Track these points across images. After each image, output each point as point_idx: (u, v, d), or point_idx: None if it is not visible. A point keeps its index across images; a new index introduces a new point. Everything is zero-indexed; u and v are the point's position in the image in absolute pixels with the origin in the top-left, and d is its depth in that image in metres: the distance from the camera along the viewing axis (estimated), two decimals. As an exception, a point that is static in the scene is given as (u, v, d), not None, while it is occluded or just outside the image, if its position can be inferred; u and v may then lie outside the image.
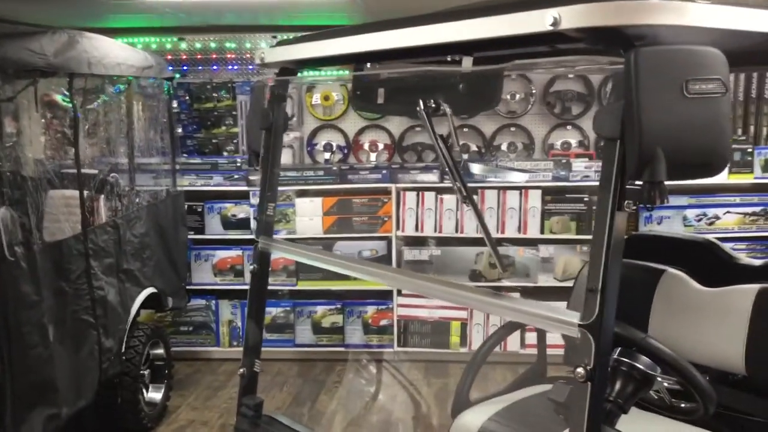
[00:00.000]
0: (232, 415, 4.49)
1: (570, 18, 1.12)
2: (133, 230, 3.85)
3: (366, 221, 5.10)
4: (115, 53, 3.66)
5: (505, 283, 5.07)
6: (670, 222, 4.88)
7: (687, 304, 2.32)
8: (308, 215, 5.11)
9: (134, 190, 4.06)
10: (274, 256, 5.19)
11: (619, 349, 1.68)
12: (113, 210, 3.78)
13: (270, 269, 5.18)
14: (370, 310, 5.18)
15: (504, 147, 5.40)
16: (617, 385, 1.66)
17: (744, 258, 2.50)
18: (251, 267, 1.95)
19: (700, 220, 4.85)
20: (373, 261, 5.10)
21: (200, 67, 5.40)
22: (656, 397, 1.75)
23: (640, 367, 1.64)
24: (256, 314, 2.01)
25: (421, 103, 1.60)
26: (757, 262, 2.46)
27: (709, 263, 2.53)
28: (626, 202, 1.18)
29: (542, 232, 5.00)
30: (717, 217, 4.83)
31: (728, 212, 4.83)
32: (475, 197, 5.08)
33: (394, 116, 5.21)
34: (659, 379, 1.68)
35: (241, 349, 5.41)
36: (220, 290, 5.19)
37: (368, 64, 1.66)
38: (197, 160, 5.14)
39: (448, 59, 1.50)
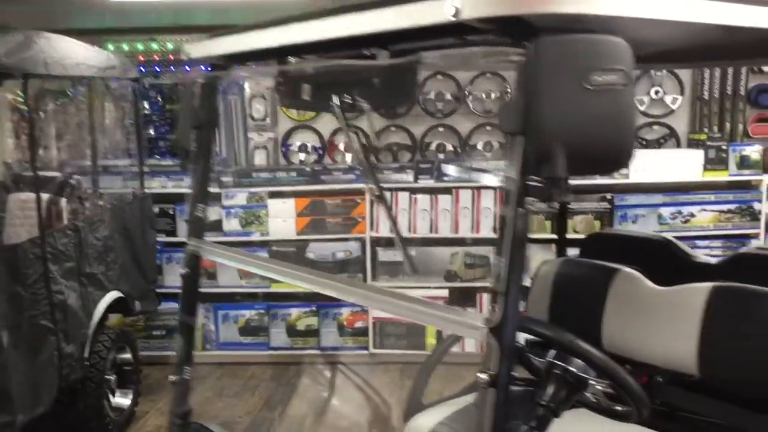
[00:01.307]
0: (200, 420, 4.46)
1: (471, 7, 1.07)
2: (95, 233, 3.79)
3: (340, 222, 5.05)
4: (75, 53, 3.60)
5: (481, 283, 5.03)
6: (645, 220, 4.84)
7: (640, 304, 2.27)
8: (281, 217, 5.06)
9: (97, 193, 4.00)
10: (248, 258, 5.19)
11: (554, 352, 1.63)
12: (75, 213, 3.72)
13: (241, 272, 5.18)
14: (345, 312, 5.13)
15: (480, 146, 5.35)
16: (550, 389, 1.61)
17: (701, 256, 2.46)
18: (181, 271, 1.89)
19: (675, 218, 4.81)
20: (345, 262, 5.06)
21: (172, 68, 5.34)
22: (594, 401, 1.69)
23: (573, 369, 1.59)
24: (187, 320, 1.95)
25: (335, 98, 1.55)
26: (714, 260, 2.41)
27: (667, 262, 2.48)
28: (527, 199, 1.12)
29: (517, 231, 4.95)
30: (692, 215, 4.80)
31: (703, 210, 4.79)
32: (449, 197, 5.07)
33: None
34: (593, 382, 1.63)
35: (214, 353, 5.37)
36: (192, 293, 5.11)
37: (292, 59, 1.62)
38: (168, 162, 5.08)
39: (367, 53, 1.45)
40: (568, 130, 1.04)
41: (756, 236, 4.77)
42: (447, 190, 5.00)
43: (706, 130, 5.09)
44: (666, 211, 4.82)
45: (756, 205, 4.74)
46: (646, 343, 2.23)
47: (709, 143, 4.76)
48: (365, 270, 5.06)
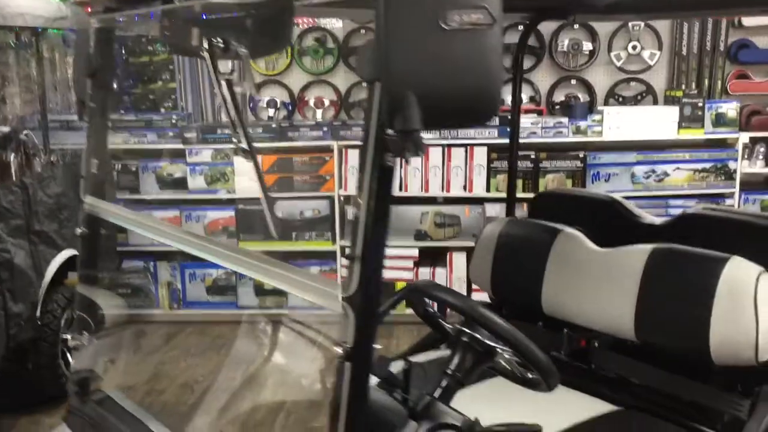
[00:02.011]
0: (160, 381, 4.43)
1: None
2: (46, 190, 3.69)
3: (308, 180, 4.95)
4: (18, 2, 3.45)
5: (451, 243, 4.95)
6: (618, 179, 4.73)
7: (580, 266, 2.19)
8: (248, 174, 4.93)
9: (48, 149, 3.88)
10: (215, 216, 5.11)
11: (461, 319, 1.55)
12: (23, 169, 3.61)
13: (208, 229, 5.09)
14: (314, 271, 5.05)
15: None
16: (456, 358, 1.53)
17: (647, 216, 2.36)
18: (78, 230, 1.79)
19: (648, 178, 4.71)
20: (313, 221, 4.98)
21: (136, 18, 5.16)
22: (507, 368, 1.62)
23: (480, 337, 1.51)
24: (86, 282, 1.86)
25: (205, 41, 1.44)
26: (659, 220, 2.32)
27: (613, 222, 2.39)
28: (386, 155, 1.02)
29: (488, 190, 4.86)
30: (666, 174, 4.69)
31: (678, 169, 4.68)
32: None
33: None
34: (501, 350, 1.55)
35: (182, 311, 5.31)
36: (158, 251, 5.04)
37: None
38: (130, 117, 4.95)
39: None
40: (422, 76, 0.93)
41: (731, 195, 4.67)
42: (417, 148, 4.88)
43: (683, 86, 4.95)
44: (639, 170, 4.72)
45: (731, 164, 4.63)
46: (585, 307, 2.15)
47: (684, 100, 4.63)
48: (334, 229, 4.98)
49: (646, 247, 2.04)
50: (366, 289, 1.06)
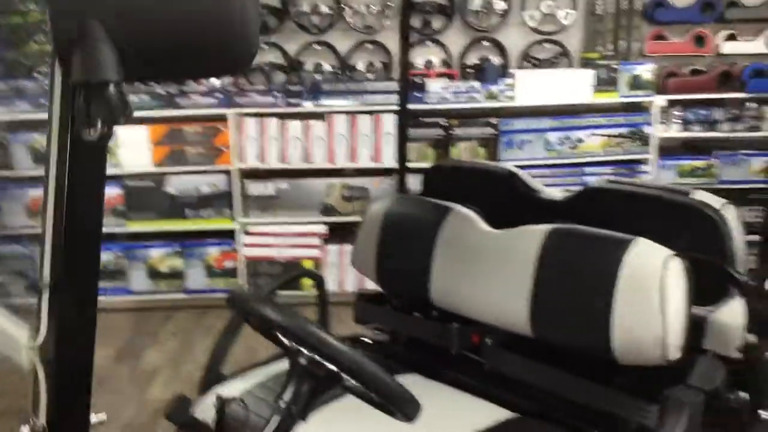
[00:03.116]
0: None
1: None
2: None
3: (202, 152, 4.53)
4: None
5: (359, 217, 4.62)
6: (532, 146, 4.50)
7: (472, 250, 1.90)
8: (135, 147, 4.49)
9: None
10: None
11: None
12: None
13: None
14: (213, 251, 4.67)
15: (361, 66, 4.87)
16: (291, 386, 1.21)
17: (546, 191, 2.09)
18: None
19: (563, 144, 4.49)
20: (210, 197, 4.58)
21: (2, -25, 4.59)
22: (362, 390, 1.32)
23: (319, 359, 1.19)
24: None
25: None
26: (559, 195, 2.05)
27: (511, 197, 2.12)
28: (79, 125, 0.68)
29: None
30: (581, 140, 4.48)
31: (593, 134, 4.48)
32: (322, 123, 4.61)
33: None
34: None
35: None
36: (34, 234, 4.54)
37: None
38: (-2, 85, 4.42)
39: None
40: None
41: (646, 161, 4.51)
42: (320, 116, 4.53)
43: (600, 48, 4.74)
44: (554, 137, 4.49)
45: (647, 129, 4.45)
46: (476, 297, 1.87)
47: (599, 62, 4.41)
48: (233, 205, 4.59)
49: (542, 228, 1.77)
50: (68, 335, 0.72)
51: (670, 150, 4.52)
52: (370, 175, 4.65)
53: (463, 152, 4.53)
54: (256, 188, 4.61)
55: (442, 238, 1.96)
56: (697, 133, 4.49)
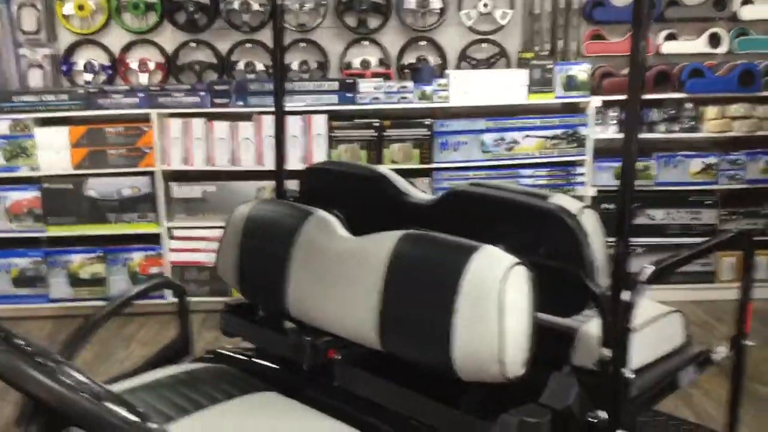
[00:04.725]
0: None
1: None
2: None
3: (124, 154, 4.35)
4: None
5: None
6: (468, 148, 4.37)
7: (327, 257, 1.76)
8: (53, 148, 4.31)
9: None
10: (17, 197, 4.44)
11: None
12: None
13: (11, 213, 4.44)
14: (137, 256, 4.50)
15: (295, 66, 4.72)
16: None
17: (417, 193, 1.95)
18: None
19: (498, 146, 4.37)
20: (133, 200, 4.40)
21: None
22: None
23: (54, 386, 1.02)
24: None
25: None
26: (426, 197, 1.91)
27: (379, 201, 1.98)
28: None
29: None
30: (516, 142, 4.36)
31: (528, 136, 4.36)
32: (251, 125, 4.45)
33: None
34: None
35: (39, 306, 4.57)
36: None
37: None
38: None
39: None
40: None
41: (582, 163, 4.39)
42: (248, 117, 4.37)
43: (537, 48, 4.62)
44: (489, 138, 4.37)
45: (582, 130, 4.34)
46: (330, 308, 1.73)
47: (534, 62, 4.29)
48: (158, 208, 4.42)
49: (394, 234, 1.63)
50: None
51: (606, 152, 4.41)
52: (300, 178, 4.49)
53: (396, 153, 4.39)
54: (181, 191, 4.44)
55: (299, 245, 1.82)
56: (634, 134, 4.37)
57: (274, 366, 1.98)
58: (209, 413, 1.71)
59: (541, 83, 4.30)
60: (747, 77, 4.31)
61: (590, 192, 4.34)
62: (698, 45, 4.59)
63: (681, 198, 4.47)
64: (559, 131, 4.36)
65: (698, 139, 4.54)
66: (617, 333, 1.50)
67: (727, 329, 4.11)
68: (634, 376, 1.56)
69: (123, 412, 1.07)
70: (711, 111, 4.38)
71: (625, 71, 4.56)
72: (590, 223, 1.64)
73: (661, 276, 1.64)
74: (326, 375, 1.77)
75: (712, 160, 4.45)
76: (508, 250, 1.49)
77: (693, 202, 4.49)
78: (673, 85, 4.42)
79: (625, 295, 1.51)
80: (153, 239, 4.48)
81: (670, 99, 4.42)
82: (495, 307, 1.40)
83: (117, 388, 1.89)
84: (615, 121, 4.40)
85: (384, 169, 2.05)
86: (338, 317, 1.70)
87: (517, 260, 1.45)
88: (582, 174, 4.37)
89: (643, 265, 1.59)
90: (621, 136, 4.39)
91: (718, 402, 3.24)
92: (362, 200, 2.00)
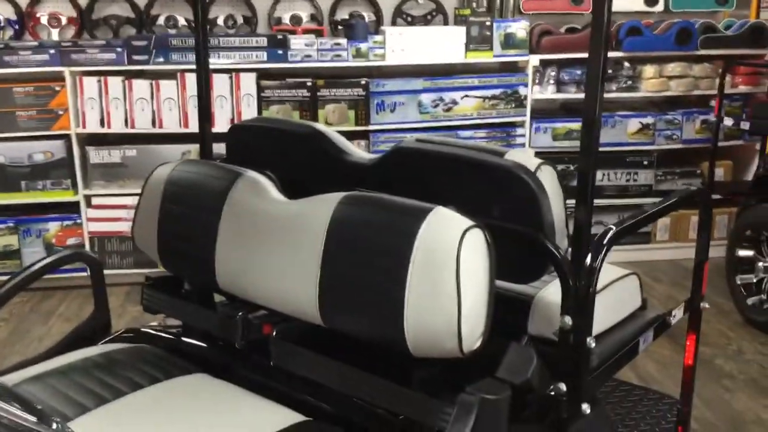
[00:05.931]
0: None
1: None
2: None
3: (35, 116, 4.01)
4: None
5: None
6: (405, 108, 4.21)
7: (260, 223, 1.58)
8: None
9: None
10: None
11: None
12: None
13: None
14: (53, 227, 4.18)
15: (221, 21, 4.43)
16: None
17: (357, 152, 1.78)
18: None
19: (436, 106, 4.22)
20: (46, 166, 4.08)
21: None
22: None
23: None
24: None
25: None
26: (368, 157, 1.75)
27: (315, 161, 1.80)
28: None
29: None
30: (455, 102, 4.22)
31: (466, 96, 4.22)
32: (174, 83, 4.17)
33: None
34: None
35: None
36: None
37: None
38: None
39: None
40: None
41: (522, 124, 4.30)
42: (171, 75, 4.08)
43: (475, 4, 4.47)
44: (427, 98, 4.21)
45: (522, 90, 4.24)
46: (264, 280, 1.55)
47: (471, 19, 4.14)
48: (74, 174, 4.10)
49: (335, 196, 1.46)
50: None
51: (545, 112, 4.32)
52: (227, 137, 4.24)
53: (330, 114, 4.19)
54: (98, 156, 4.13)
55: (228, 211, 1.63)
56: (573, 94, 4.30)
57: (202, 345, 1.80)
58: (129, 401, 1.52)
59: (479, 41, 4.16)
60: (684, 35, 4.27)
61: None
62: (637, 3, 4.53)
63: (618, 159, 4.44)
64: (497, 91, 4.24)
65: (636, 99, 4.50)
66: (580, 299, 1.38)
67: (665, 289, 4.16)
68: (594, 344, 1.46)
69: (16, 411, 0.92)
70: (649, 70, 4.34)
71: (563, 29, 4.47)
72: (548, 180, 1.51)
73: (622, 236, 1.53)
74: (261, 353, 1.60)
75: (649, 120, 4.42)
76: (461, 212, 1.35)
77: (630, 163, 4.47)
78: (611, 44, 4.35)
79: (589, 259, 1.40)
80: (70, 208, 4.17)
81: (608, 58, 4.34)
82: (451, 275, 1.26)
83: (22, 375, 1.68)
84: (553, 81, 4.31)
85: (320, 125, 1.87)
86: (273, 289, 1.53)
87: (473, 222, 1.30)
88: (522, 135, 4.28)
89: (607, 225, 1.48)
90: (560, 96, 4.36)
91: (661, 364, 3.23)
92: (297, 160, 1.82)
